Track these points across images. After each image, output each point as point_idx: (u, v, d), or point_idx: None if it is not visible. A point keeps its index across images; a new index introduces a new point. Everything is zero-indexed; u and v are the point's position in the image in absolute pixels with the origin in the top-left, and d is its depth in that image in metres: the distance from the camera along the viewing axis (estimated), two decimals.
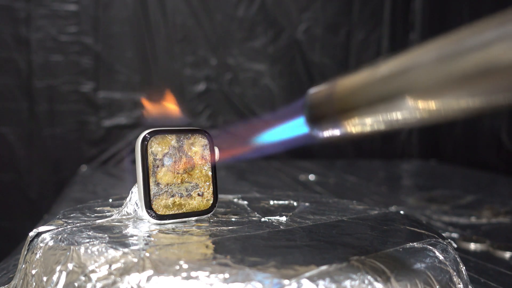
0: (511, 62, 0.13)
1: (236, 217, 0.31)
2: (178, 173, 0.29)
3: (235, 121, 0.89)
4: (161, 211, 0.29)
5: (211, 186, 0.30)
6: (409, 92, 0.16)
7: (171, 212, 0.29)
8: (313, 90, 0.22)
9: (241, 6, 0.96)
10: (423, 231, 0.29)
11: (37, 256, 0.26)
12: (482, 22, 0.15)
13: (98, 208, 0.32)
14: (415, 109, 0.17)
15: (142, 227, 0.28)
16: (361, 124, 0.19)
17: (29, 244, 0.28)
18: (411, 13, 1.07)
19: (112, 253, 0.24)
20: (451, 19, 1.01)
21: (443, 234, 0.41)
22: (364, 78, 0.19)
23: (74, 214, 0.31)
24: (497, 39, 0.14)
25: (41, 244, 0.27)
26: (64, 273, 0.24)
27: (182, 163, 0.29)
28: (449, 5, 1.01)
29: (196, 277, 0.22)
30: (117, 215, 0.31)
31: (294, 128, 0.25)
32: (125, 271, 0.23)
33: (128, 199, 0.32)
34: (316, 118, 0.21)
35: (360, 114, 0.19)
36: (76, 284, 0.23)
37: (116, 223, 0.29)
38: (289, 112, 0.25)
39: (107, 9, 0.89)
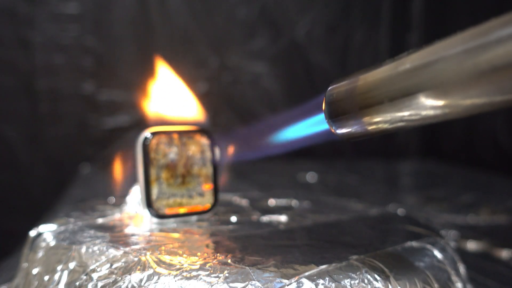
0: None
1: (236, 216, 0.31)
2: (179, 172, 0.29)
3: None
4: (162, 210, 0.29)
5: (212, 186, 0.30)
6: (434, 87, 0.16)
7: (172, 211, 0.29)
8: (333, 86, 0.21)
9: (241, 8, 0.96)
10: (422, 230, 0.29)
11: (39, 255, 0.26)
12: (510, 14, 0.14)
13: (99, 207, 0.32)
14: (439, 105, 0.16)
15: (143, 226, 0.29)
16: (383, 121, 0.19)
17: (30, 243, 0.28)
18: (410, 13, 1.07)
19: (113, 252, 0.24)
20: (451, 19, 1.01)
21: (442, 233, 0.41)
22: (387, 72, 0.18)
23: (75, 213, 0.31)
24: None
25: (43, 243, 0.27)
26: (65, 272, 0.24)
27: (183, 162, 0.29)
28: (448, 6, 1.01)
29: (197, 276, 0.22)
30: (118, 214, 0.31)
31: (314, 125, 0.24)
32: (126, 270, 0.23)
33: (129, 198, 0.33)
34: (336, 115, 0.20)
35: (382, 110, 0.18)
36: (77, 283, 0.23)
37: (117, 222, 0.29)
38: (309, 108, 0.24)
39: (109, 10, 0.89)
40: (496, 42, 0.14)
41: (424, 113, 0.17)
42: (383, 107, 0.18)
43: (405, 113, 0.17)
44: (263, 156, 0.29)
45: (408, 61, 0.17)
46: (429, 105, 0.16)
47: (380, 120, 0.19)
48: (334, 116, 0.21)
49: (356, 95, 0.19)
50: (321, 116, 0.22)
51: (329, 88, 0.21)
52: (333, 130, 0.21)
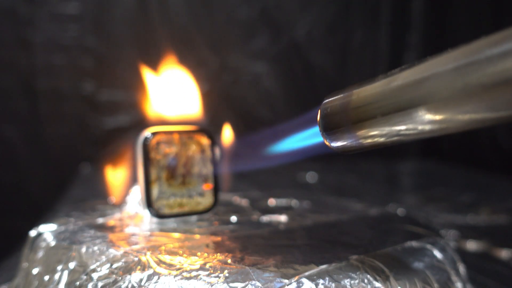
0: None
1: (236, 216, 0.31)
2: (179, 172, 0.29)
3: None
4: (162, 210, 0.29)
5: (212, 185, 0.30)
6: (425, 104, 0.16)
7: (172, 211, 0.29)
8: (328, 100, 0.21)
9: (242, 8, 0.96)
10: (421, 230, 0.29)
11: (39, 255, 0.26)
12: (500, 33, 0.14)
13: (100, 207, 0.33)
14: (431, 120, 0.16)
15: (143, 226, 0.29)
16: (376, 135, 0.19)
17: (30, 243, 0.28)
18: (410, 13, 1.07)
19: (113, 252, 0.24)
20: (451, 19, 1.01)
21: (442, 233, 0.41)
22: (380, 88, 0.18)
23: (75, 213, 0.31)
24: None
25: (43, 243, 0.27)
26: (65, 272, 0.24)
27: (184, 162, 0.29)
28: (448, 6, 1.01)
29: (197, 276, 0.22)
30: (118, 214, 0.31)
31: (309, 137, 0.24)
32: (126, 270, 0.23)
33: (129, 198, 0.33)
34: (331, 128, 0.21)
35: (375, 124, 0.19)
36: (77, 283, 0.23)
37: (117, 222, 0.29)
38: (304, 121, 0.25)
39: (109, 10, 0.89)
40: (486, 60, 0.14)
41: (415, 128, 0.17)
42: (375, 122, 0.18)
43: (397, 128, 0.18)
44: (260, 167, 0.29)
45: (401, 78, 0.17)
46: (420, 121, 0.17)
47: (373, 134, 0.19)
48: (329, 130, 0.21)
49: (350, 110, 0.19)
50: (316, 129, 0.22)
51: (323, 102, 0.21)
52: (327, 143, 0.22)
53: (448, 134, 0.17)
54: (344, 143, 0.21)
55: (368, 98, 0.19)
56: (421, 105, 0.16)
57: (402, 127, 0.18)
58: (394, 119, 0.17)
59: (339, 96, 0.21)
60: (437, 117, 0.16)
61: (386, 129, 0.18)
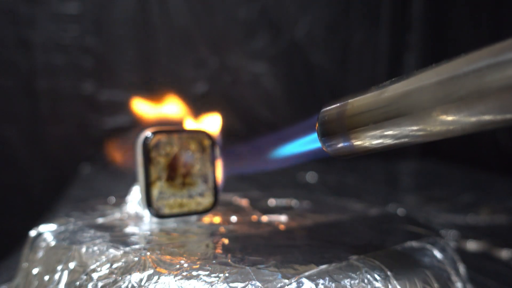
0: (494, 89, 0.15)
1: (236, 216, 0.31)
2: (179, 172, 0.29)
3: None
4: (162, 210, 0.29)
5: (212, 185, 0.30)
6: (411, 113, 0.18)
7: (172, 211, 0.29)
8: (325, 108, 0.23)
9: (242, 8, 0.96)
10: (421, 230, 0.29)
11: (39, 255, 0.26)
12: (476, 52, 0.16)
13: (100, 207, 0.33)
14: (416, 128, 0.18)
15: (143, 226, 0.29)
16: (368, 141, 0.21)
17: (30, 243, 0.28)
18: (410, 13, 1.07)
19: (113, 252, 0.24)
20: (451, 19, 1.01)
21: (442, 233, 0.41)
22: (372, 99, 0.20)
23: (75, 213, 0.31)
24: (486, 67, 0.15)
25: (43, 243, 0.27)
26: (65, 272, 0.24)
27: (184, 162, 0.29)
28: (448, 6, 1.01)
29: (197, 276, 0.22)
30: (118, 214, 0.31)
31: (308, 143, 0.26)
32: (126, 270, 0.23)
33: (129, 198, 0.33)
34: (328, 134, 0.23)
35: (367, 131, 0.21)
36: (77, 283, 0.23)
37: (117, 222, 0.29)
38: (303, 128, 0.27)
39: (109, 10, 0.89)
40: (463, 76, 0.16)
41: (404, 135, 0.19)
42: (368, 129, 0.21)
43: (388, 135, 0.20)
44: (260, 171, 0.31)
45: (390, 89, 0.20)
46: (407, 128, 0.19)
47: (365, 141, 0.21)
48: (326, 136, 0.23)
49: (345, 118, 0.22)
50: (314, 136, 0.24)
51: (321, 111, 0.23)
52: (324, 148, 0.23)
53: (432, 140, 0.19)
54: (339, 148, 0.22)
55: (361, 107, 0.21)
56: (407, 114, 0.18)
57: (391, 134, 0.20)
58: (384, 126, 0.20)
59: (335, 105, 0.23)
60: (422, 125, 0.18)
61: (376, 136, 0.20)
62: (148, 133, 0.29)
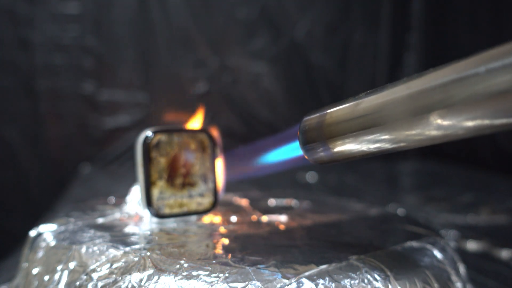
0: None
1: (236, 216, 0.31)
2: (179, 172, 0.29)
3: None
4: (162, 210, 0.29)
5: (212, 185, 0.30)
6: (384, 124, 0.20)
7: (172, 211, 0.29)
8: (307, 117, 0.24)
9: (242, 8, 0.96)
10: (421, 230, 0.29)
11: (39, 255, 0.26)
12: (445, 67, 0.18)
13: (99, 207, 0.32)
14: (389, 138, 0.20)
15: (143, 226, 0.29)
16: (346, 149, 0.22)
17: (30, 243, 0.28)
18: (410, 13, 1.07)
19: (113, 252, 0.24)
20: (450, 19, 1.01)
21: (442, 233, 0.41)
22: (349, 109, 0.22)
23: (75, 213, 0.31)
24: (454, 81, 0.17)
25: (43, 243, 0.27)
26: (65, 272, 0.24)
27: (184, 162, 0.29)
28: (448, 6, 1.01)
29: (197, 276, 0.22)
30: (118, 213, 0.31)
31: (290, 151, 0.27)
32: (126, 270, 0.23)
33: (129, 198, 0.33)
34: (308, 142, 0.24)
35: (345, 140, 0.22)
36: (77, 283, 0.23)
37: (117, 222, 0.29)
38: (286, 136, 0.28)
39: (109, 10, 0.89)
40: (430, 90, 0.18)
41: (378, 144, 0.20)
42: (345, 138, 0.22)
43: (364, 144, 0.21)
44: (245, 177, 0.32)
45: (366, 101, 0.21)
46: (381, 138, 0.20)
47: (343, 148, 0.22)
48: (306, 144, 0.24)
49: (324, 127, 0.23)
50: (296, 144, 0.25)
51: (303, 120, 0.24)
52: (306, 156, 0.24)
53: (405, 149, 0.20)
54: (320, 156, 0.23)
55: (339, 117, 0.22)
56: (381, 125, 0.20)
57: (367, 143, 0.21)
58: (361, 136, 0.21)
59: (316, 114, 0.24)
60: (394, 135, 0.19)
61: (354, 145, 0.21)
62: (148, 132, 0.29)
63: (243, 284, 0.21)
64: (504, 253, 0.43)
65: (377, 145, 0.20)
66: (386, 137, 0.20)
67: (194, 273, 0.22)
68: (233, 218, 0.31)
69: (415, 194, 0.72)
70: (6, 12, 0.84)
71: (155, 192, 0.29)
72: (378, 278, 0.22)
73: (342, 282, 0.22)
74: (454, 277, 0.26)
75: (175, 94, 0.95)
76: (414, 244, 0.27)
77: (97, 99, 0.90)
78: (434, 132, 0.18)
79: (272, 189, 0.42)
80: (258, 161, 0.30)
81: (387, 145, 0.20)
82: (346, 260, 0.23)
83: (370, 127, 0.20)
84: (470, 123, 0.17)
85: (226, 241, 0.26)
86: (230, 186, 0.34)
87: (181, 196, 0.29)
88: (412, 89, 0.18)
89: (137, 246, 0.24)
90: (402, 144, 0.20)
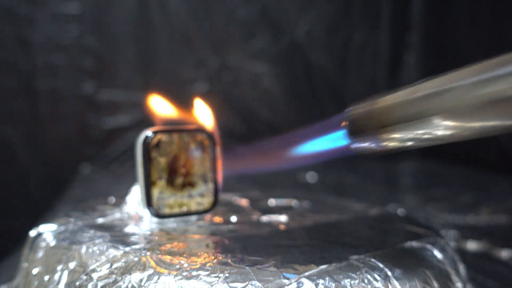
0: None
1: (236, 216, 0.31)
2: (179, 172, 0.29)
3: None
4: (162, 210, 0.29)
5: (212, 185, 0.30)
6: (443, 112, 0.19)
7: (172, 211, 0.29)
8: (355, 106, 0.23)
9: (241, 8, 0.96)
10: (422, 230, 0.29)
11: (39, 255, 0.26)
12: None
13: (99, 207, 0.32)
14: (447, 128, 0.19)
15: (143, 226, 0.29)
16: (397, 140, 0.21)
17: (30, 243, 0.28)
18: (410, 14, 1.07)
19: (113, 252, 0.24)
20: (451, 20, 1.01)
21: (442, 233, 0.41)
22: (403, 98, 0.21)
23: (75, 213, 0.31)
24: None
25: (43, 243, 0.27)
26: (65, 272, 0.24)
27: (183, 161, 0.29)
28: (448, 6, 1.01)
29: (197, 276, 0.22)
30: (118, 213, 0.31)
31: (333, 140, 0.26)
32: (126, 270, 0.23)
33: (129, 197, 0.33)
34: (357, 132, 0.23)
35: (397, 130, 0.21)
36: (77, 283, 0.23)
37: (117, 222, 0.29)
38: (328, 125, 0.26)
39: (109, 11, 0.89)
40: (496, 78, 0.17)
41: (434, 134, 0.20)
42: (398, 128, 0.21)
43: (418, 134, 0.20)
44: (282, 168, 0.30)
45: (423, 88, 0.20)
46: (439, 128, 0.19)
47: (394, 139, 0.21)
48: (355, 133, 0.23)
49: (375, 116, 0.22)
50: (341, 133, 0.24)
51: (350, 108, 0.24)
52: (352, 147, 0.24)
53: (463, 140, 0.19)
54: (367, 146, 0.23)
55: (392, 106, 0.21)
56: (439, 113, 0.19)
57: (421, 133, 0.20)
58: (415, 125, 0.20)
59: (366, 103, 0.23)
60: (453, 124, 0.18)
61: (406, 135, 0.20)
62: (148, 132, 0.29)
63: (243, 284, 0.21)
64: (504, 253, 0.43)
65: (432, 135, 0.19)
66: (444, 126, 0.19)
67: (194, 273, 0.22)
68: (233, 218, 0.31)
69: (415, 194, 0.72)
70: (6, 12, 0.84)
71: (155, 192, 0.29)
72: (378, 278, 0.22)
73: (342, 282, 0.22)
74: (454, 277, 0.26)
75: (175, 94, 0.95)
76: (414, 244, 0.27)
77: (97, 99, 0.90)
78: (497, 121, 0.17)
79: (272, 189, 0.42)
80: (296, 151, 0.28)
81: (442, 136, 0.19)
82: (346, 260, 0.23)
83: (426, 116, 0.19)
84: None
85: (226, 241, 0.26)
86: (230, 186, 0.34)
87: (181, 196, 0.29)
88: (475, 77, 0.17)
89: (137, 246, 0.24)
90: (459, 135, 0.19)
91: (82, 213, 0.31)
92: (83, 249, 0.25)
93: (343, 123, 0.24)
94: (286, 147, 0.29)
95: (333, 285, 0.22)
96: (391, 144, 0.21)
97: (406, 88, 0.21)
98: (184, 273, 0.22)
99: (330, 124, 0.26)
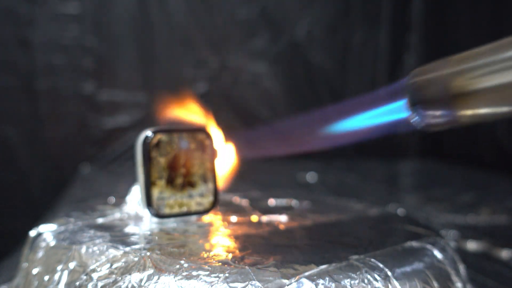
0: None
1: (236, 216, 0.31)
2: (179, 172, 0.29)
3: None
4: (162, 210, 0.29)
5: (212, 185, 0.30)
6: None
7: (172, 211, 0.29)
8: (420, 70, 0.19)
9: (242, 7, 0.96)
10: (422, 230, 0.29)
11: (39, 255, 0.26)
12: None
13: (99, 207, 0.32)
14: None
15: (143, 226, 0.29)
16: (480, 110, 0.16)
17: (30, 243, 0.28)
18: (410, 14, 1.07)
19: (113, 252, 0.24)
20: (451, 19, 1.01)
21: (442, 233, 0.41)
22: (489, 57, 0.16)
23: (75, 213, 0.31)
24: None
25: (43, 243, 0.27)
26: (65, 272, 0.24)
27: (183, 161, 0.29)
28: (448, 6, 1.01)
29: (197, 276, 0.22)
30: (118, 214, 0.31)
31: (390, 112, 0.21)
32: (126, 270, 0.23)
33: (129, 198, 0.33)
34: (424, 102, 0.18)
35: (481, 97, 0.16)
36: (77, 283, 0.23)
37: (117, 222, 0.29)
38: (385, 94, 0.21)
39: (109, 10, 0.89)
40: None
41: None
42: (481, 94, 0.16)
43: (507, 101, 0.15)
44: (329, 146, 0.26)
45: None
46: None
47: (476, 109, 0.17)
48: (421, 103, 0.18)
49: (450, 81, 0.17)
50: (400, 104, 0.20)
51: (414, 72, 0.19)
52: (414, 119, 0.19)
53: None
54: (437, 118, 0.18)
55: (474, 68, 0.16)
56: None
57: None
58: (506, 91, 0.15)
59: (436, 64, 0.18)
60: None
61: (494, 103, 0.16)
62: (148, 132, 0.29)
63: (243, 284, 0.21)
64: (504, 253, 0.43)
65: None
66: None
67: (194, 273, 0.22)
68: (233, 218, 0.31)
69: (415, 194, 0.72)
70: (6, 12, 0.84)
71: (155, 192, 0.29)
72: (378, 278, 0.22)
73: (342, 282, 0.22)
74: (454, 277, 0.26)
75: (175, 94, 0.95)
76: (414, 244, 0.27)
77: (97, 99, 0.90)
78: None
79: (272, 189, 0.42)
80: (344, 127, 0.23)
81: None
82: (346, 260, 0.23)
83: None
84: None
85: (226, 241, 0.26)
86: (230, 185, 0.34)
87: (181, 196, 0.29)
88: None
89: (137, 246, 0.24)
90: None
91: (82, 213, 0.31)
92: (83, 249, 0.25)
93: (404, 91, 0.19)
94: (316, 125, 0.25)
95: (333, 285, 0.22)
96: (471, 115, 0.17)
97: (492, 44, 0.16)
98: (184, 273, 0.22)
99: (385, 93, 0.21)
